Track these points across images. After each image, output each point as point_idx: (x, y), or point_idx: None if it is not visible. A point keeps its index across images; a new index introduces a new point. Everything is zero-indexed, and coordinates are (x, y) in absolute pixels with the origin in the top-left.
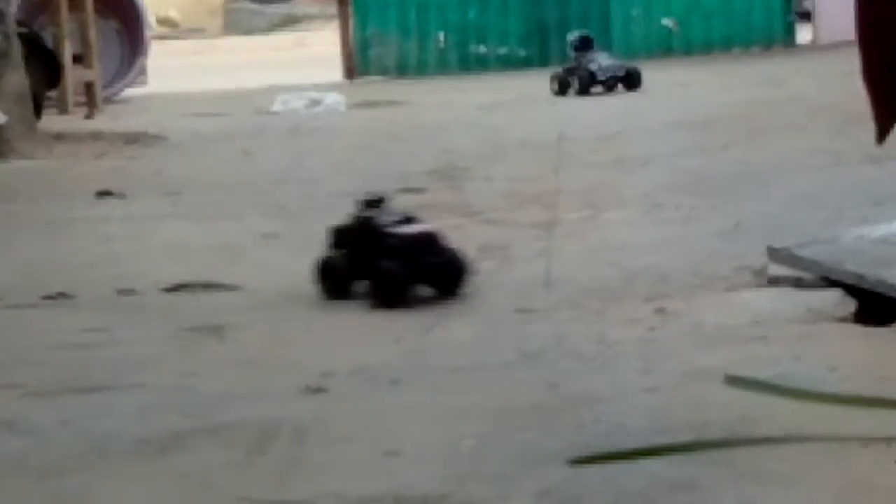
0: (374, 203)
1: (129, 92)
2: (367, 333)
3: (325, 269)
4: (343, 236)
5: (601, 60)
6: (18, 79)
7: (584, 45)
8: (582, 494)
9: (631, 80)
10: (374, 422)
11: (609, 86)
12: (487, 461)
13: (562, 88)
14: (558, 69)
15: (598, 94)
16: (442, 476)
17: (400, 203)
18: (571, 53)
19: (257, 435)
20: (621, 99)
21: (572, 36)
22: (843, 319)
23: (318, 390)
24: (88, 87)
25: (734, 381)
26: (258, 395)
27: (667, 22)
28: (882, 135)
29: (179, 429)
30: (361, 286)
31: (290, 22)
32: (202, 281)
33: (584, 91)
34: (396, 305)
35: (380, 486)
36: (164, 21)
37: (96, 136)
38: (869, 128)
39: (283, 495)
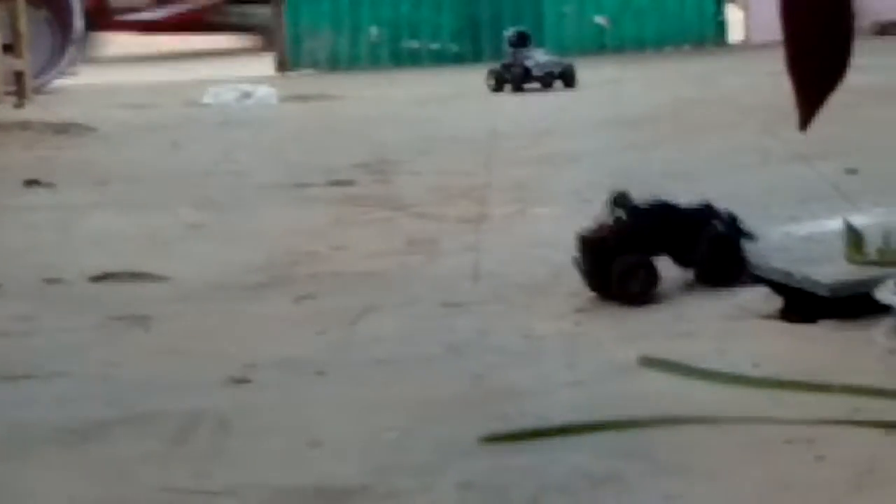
0: (622, 200)
1: (60, 82)
2: (293, 325)
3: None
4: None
5: (537, 57)
6: None
7: (521, 41)
8: (504, 486)
9: (567, 77)
10: (297, 413)
11: (545, 82)
12: (410, 453)
13: (498, 84)
14: (495, 65)
15: (533, 90)
16: (364, 467)
17: (328, 196)
18: (508, 49)
19: (180, 425)
20: (553, 96)
21: (509, 32)
22: (768, 316)
23: (242, 381)
24: (18, 77)
25: (649, 362)
26: (182, 386)
27: (599, 20)
28: (804, 122)
29: (102, 418)
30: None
31: None
32: (129, 271)
33: (518, 87)
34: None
35: (301, 477)
36: None
37: (25, 125)
38: (797, 127)
39: (205, 486)
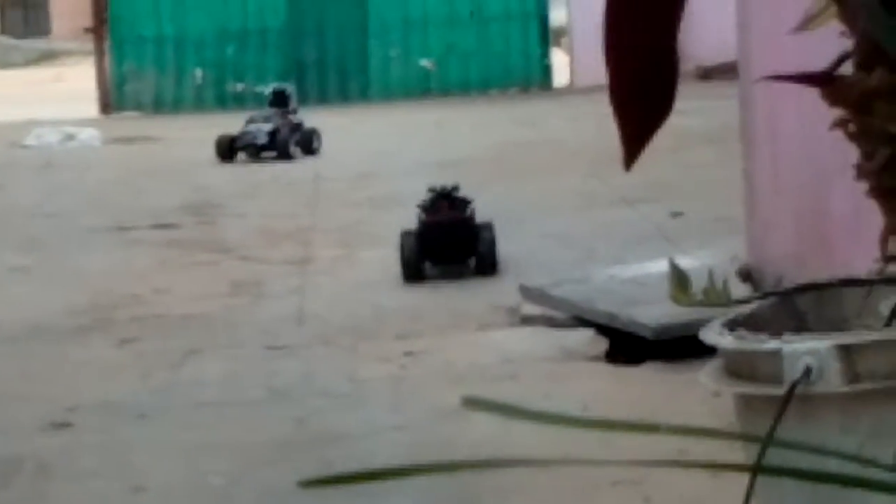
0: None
1: None
2: (115, 369)
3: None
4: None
5: (263, 126)
6: None
7: (279, 100)
8: None
9: (306, 144)
10: (120, 457)
11: (281, 149)
12: (234, 498)
13: (225, 153)
14: (224, 133)
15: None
16: None
17: (152, 239)
18: (266, 108)
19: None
20: (378, 139)
21: (268, 90)
22: (594, 358)
23: (64, 425)
24: None
25: (471, 402)
26: (1, 430)
27: (425, 63)
28: (629, 160)
29: None
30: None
31: (47, 57)
32: None
33: (254, 155)
34: None
35: None
36: None
37: None
38: (622, 170)
39: None
